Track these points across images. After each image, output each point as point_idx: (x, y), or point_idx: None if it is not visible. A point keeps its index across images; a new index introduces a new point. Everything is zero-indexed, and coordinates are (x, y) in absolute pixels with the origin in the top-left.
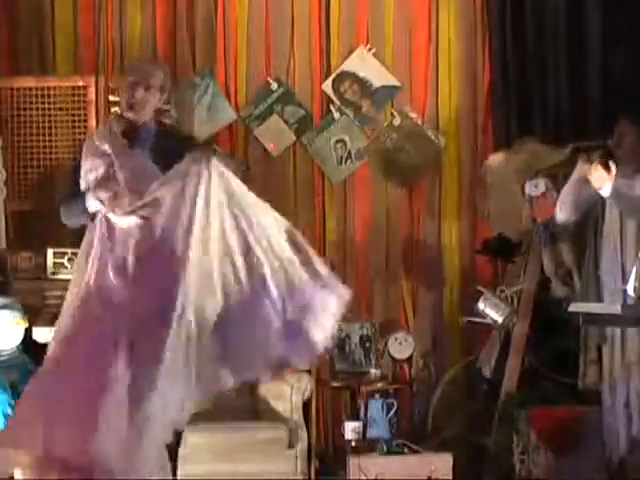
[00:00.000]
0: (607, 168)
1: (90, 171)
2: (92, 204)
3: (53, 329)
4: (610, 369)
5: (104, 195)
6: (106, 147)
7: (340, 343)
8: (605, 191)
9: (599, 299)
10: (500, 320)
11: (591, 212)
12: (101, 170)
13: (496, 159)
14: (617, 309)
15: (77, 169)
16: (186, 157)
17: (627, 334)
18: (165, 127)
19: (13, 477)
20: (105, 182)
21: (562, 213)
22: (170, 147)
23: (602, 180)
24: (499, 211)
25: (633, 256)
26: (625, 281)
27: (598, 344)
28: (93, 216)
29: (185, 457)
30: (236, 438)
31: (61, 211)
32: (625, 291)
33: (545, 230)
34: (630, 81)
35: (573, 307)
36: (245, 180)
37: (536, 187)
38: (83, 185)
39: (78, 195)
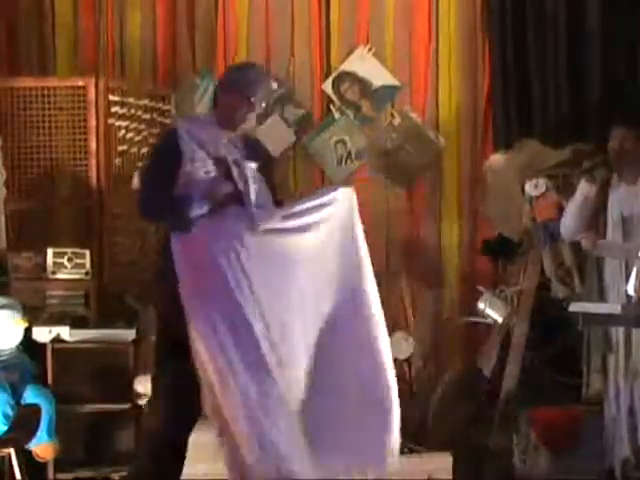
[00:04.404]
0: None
1: None
2: None
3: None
4: (615, 376)
5: None
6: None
7: None
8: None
9: (602, 300)
10: (500, 320)
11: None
12: None
13: (496, 159)
14: (617, 309)
15: None
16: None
17: (632, 340)
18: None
19: None
20: None
21: (568, 232)
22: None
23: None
24: (499, 211)
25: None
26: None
27: (603, 353)
28: None
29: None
30: None
31: None
32: (625, 291)
33: (545, 230)
34: (630, 81)
35: (573, 307)
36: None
37: (536, 187)
38: None
39: None
